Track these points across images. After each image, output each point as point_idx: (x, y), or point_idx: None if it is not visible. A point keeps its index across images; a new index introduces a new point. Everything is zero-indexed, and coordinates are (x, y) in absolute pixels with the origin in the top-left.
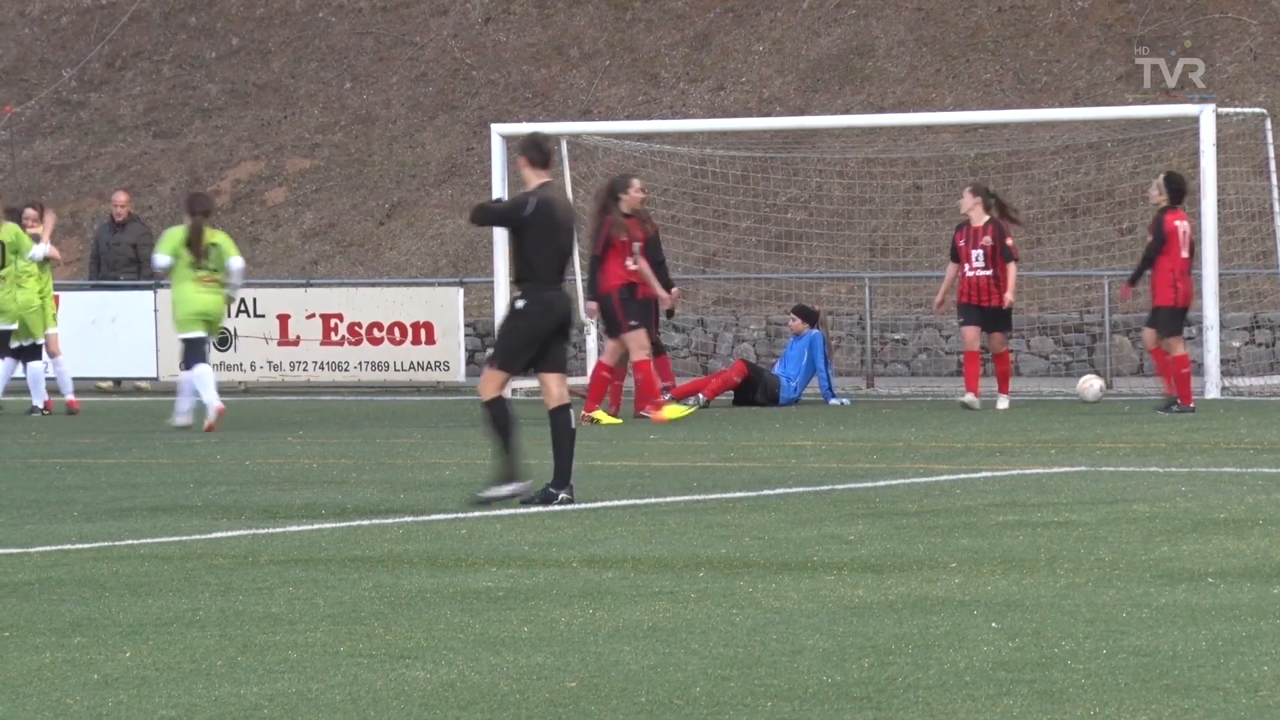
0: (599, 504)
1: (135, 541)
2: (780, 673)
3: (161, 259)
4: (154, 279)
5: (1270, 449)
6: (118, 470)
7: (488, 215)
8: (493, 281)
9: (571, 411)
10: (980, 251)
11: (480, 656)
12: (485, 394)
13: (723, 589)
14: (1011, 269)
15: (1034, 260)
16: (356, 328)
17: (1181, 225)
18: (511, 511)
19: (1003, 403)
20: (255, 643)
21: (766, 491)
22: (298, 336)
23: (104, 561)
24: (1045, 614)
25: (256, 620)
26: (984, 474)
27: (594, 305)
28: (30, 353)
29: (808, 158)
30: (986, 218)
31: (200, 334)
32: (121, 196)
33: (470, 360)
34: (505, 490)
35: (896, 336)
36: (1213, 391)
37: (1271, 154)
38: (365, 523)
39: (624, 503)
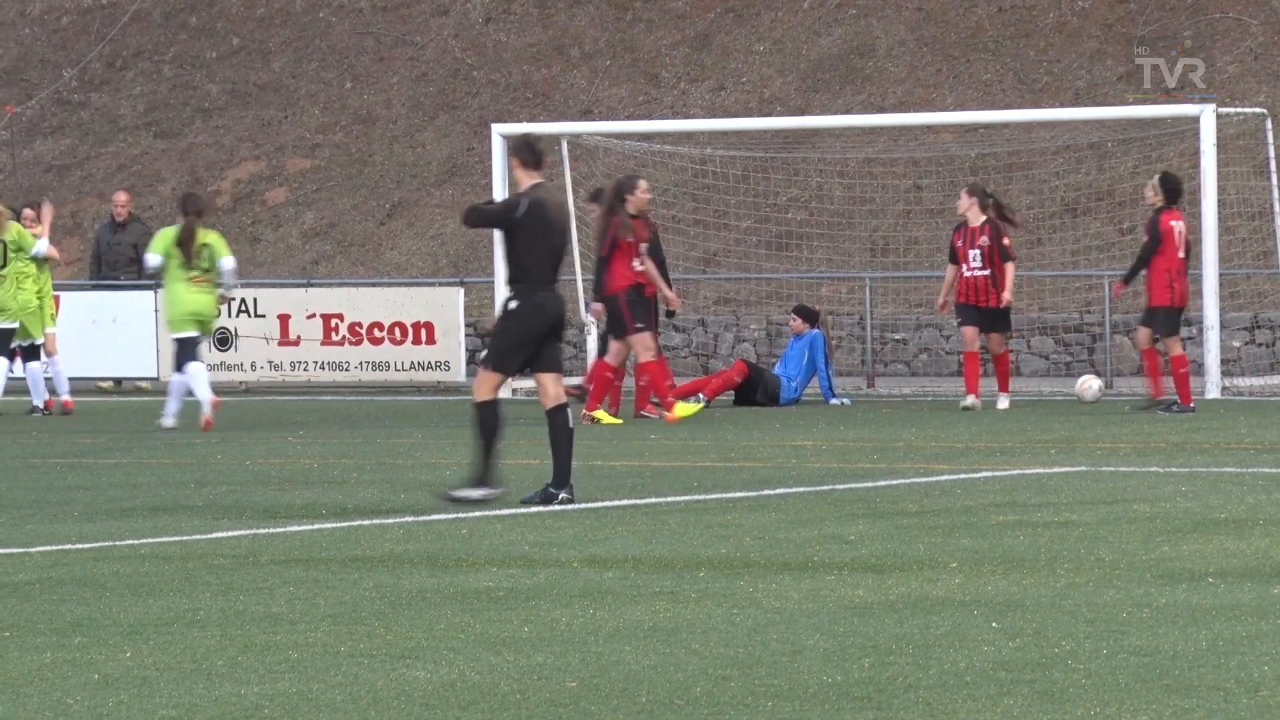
0: (599, 504)
1: (136, 541)
2: (781, 673)
3: (153, 259)
4: (155, 279)
5: (1270, 449)
6: (118, 470)
7: (480, 217)
8: (493, 282)
9: (569, 411)
10: (977, 251)
11: (481, 656)
12: (479, 395)
13: (723, 589)
14: (1009, 268)
15: (1034, 260)
16: (357, 328)
17: (1177, 225)
18: (512, 511)
19: (1003, 402)
20: (256, 643)
21: (767, 491)
22: (298, 336)
23: (105, 561)
24: (1046, 614)
25: (257, 620)
26: (984, 474)
27: (599, 306)
28: (29, 353)
29: (808, 158)
30: (983, 218)
31: (192, 334)
32: (122, 196)
33: (471, 360)
34: (476, 493)
35: (897, 336)
36: (1213, 391)
37: (1272, 154)
38: (366, 523)
39: (624, 503)
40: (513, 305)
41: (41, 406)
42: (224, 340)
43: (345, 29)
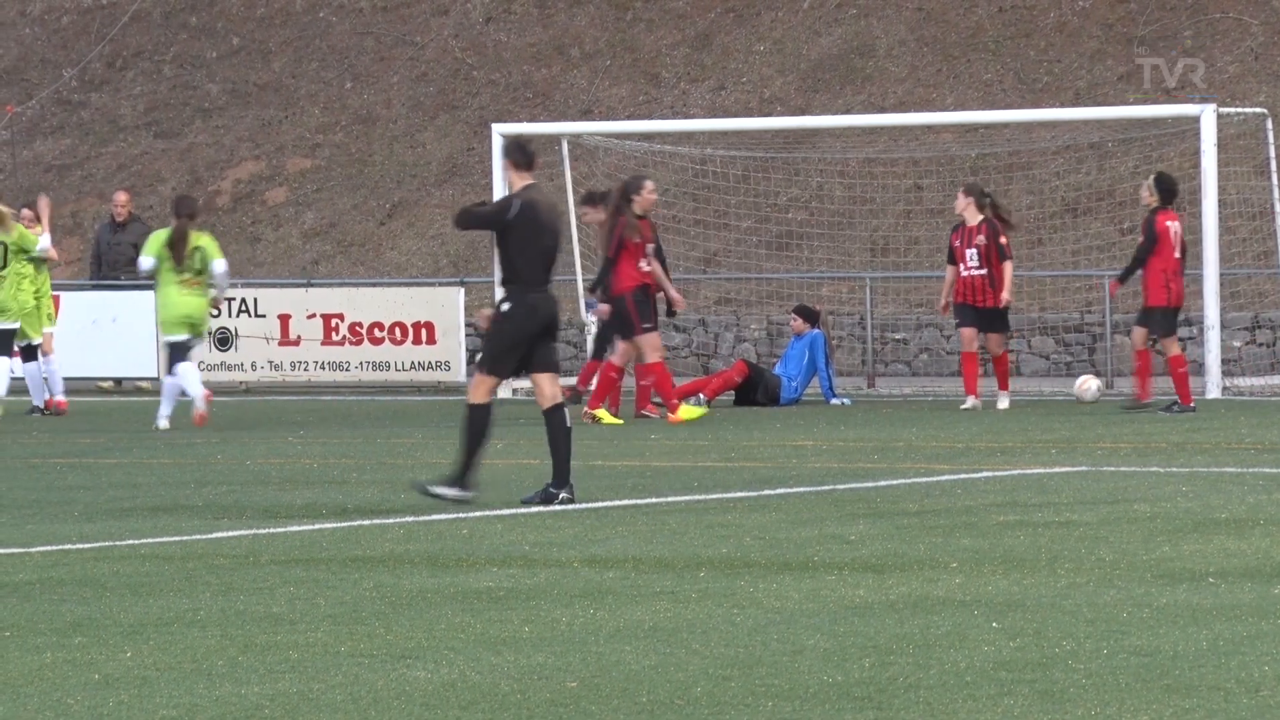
0: (600, 504)
1: (136, 541)
2: (781, 673)
3: (146, 261)
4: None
5: (1271, 449)
6: (118, 470)
7: (472, 219)
8: (493, 282)
9: (567, 410)
10: (974, 251)
11: (481, 656)
12: (473, 398)
13: (724, 589)
14: (1008, 268)
15: (1035, 260)
16: (357, 328)
17: (1173, 226)
18: (512, 511)
19: (1003, 401)
20: (256, 643)
21: (767, 491)
22: (298, 336)
23: (105, 561)
24: (1046, 614)
25: (257, 620)
26: (985, 474)
27: (605, 307)
28: (26, 354)
29: (809, 158)
30: (980, 217)
31: (183, 337)
32: (122, 196)
33: (471, 360)
34: (451, 493)
35: (897, 336)
36: (1214, 391)
37: (1272, 154)
38: (366, 523)
39: (625, 503)
40: (505, 307)
41: (41, 406)
42: (224, 340)
43: (345, 29)
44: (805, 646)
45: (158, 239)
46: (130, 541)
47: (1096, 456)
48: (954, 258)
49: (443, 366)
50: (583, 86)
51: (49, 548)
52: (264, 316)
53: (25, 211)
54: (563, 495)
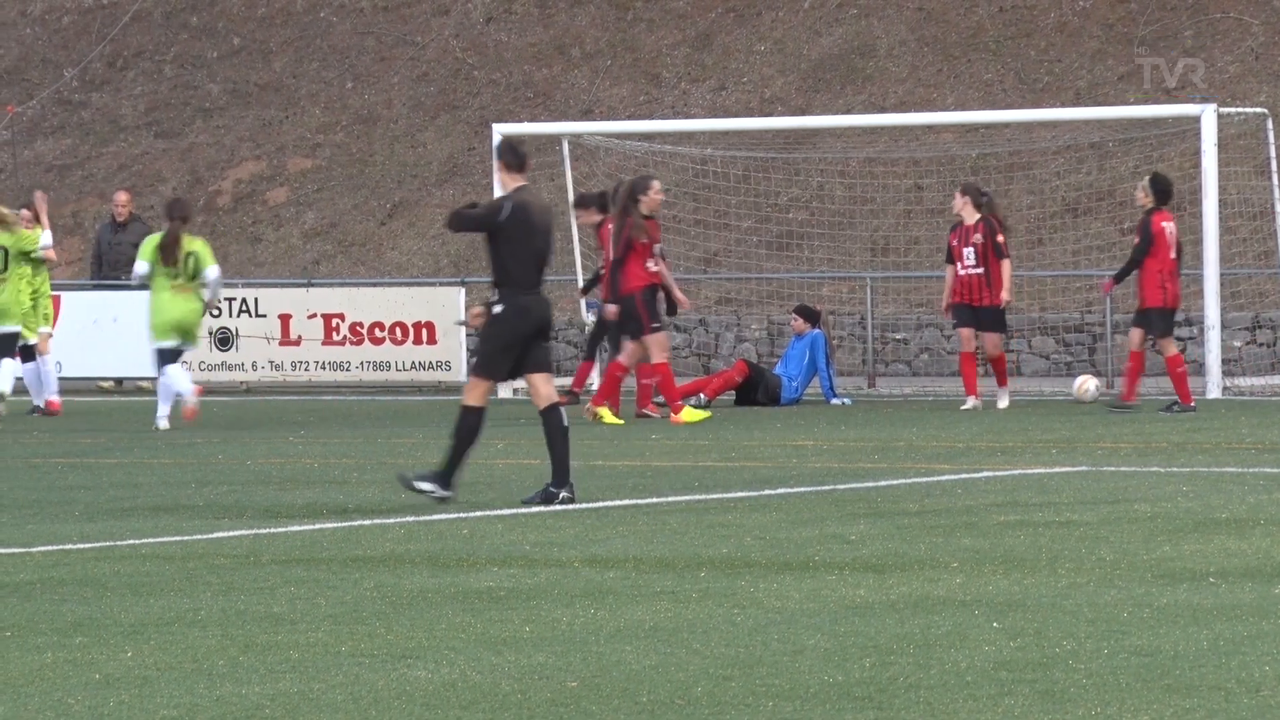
0: (600, 504)
1: (137, 541)
2: (782, 673)
3: (140, 267)
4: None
5: (1271, 449)
6: (119, 470)
7: (463, 221)
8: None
9: (563, 410)
10: (971, 250)
11: (482, 656)
12: (467, 400)
13: (724, 589)
14: (1006, 266)
15: (1035, 260)
16: (358, 327)
17: (1168, 226)
18: (513, 511)
19: (1003, 400)
20: (257, 642)
21: (768, 491)
22: (299, 336)
23: (105, 561)
24: (1047, 614)
25: (258, 620)
26: (985, 474)
27: (613, 307)
28: (25, 353)
29: (809, 158)
30: (978, 216)
31: (172, 344)
32: (123, 196)
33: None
34: (435, 491)
35: (898, 336)
36: (1214, 391)
37: (1273, 154)
38: (367, 522)
39: (625, 502)
40: (497, 309)
41: (42, 406)
42: (225, 340)
43: (346, 29)
44: (806, 646)
45: (150, 243)
46: (131, 541)
47: (1097, 456)
48: (952, 257)
49: (443, 366)
50: (583, 86)
51: (50, 547)
52: (265, 316)
53: (24, 212)
54: (563, 495)
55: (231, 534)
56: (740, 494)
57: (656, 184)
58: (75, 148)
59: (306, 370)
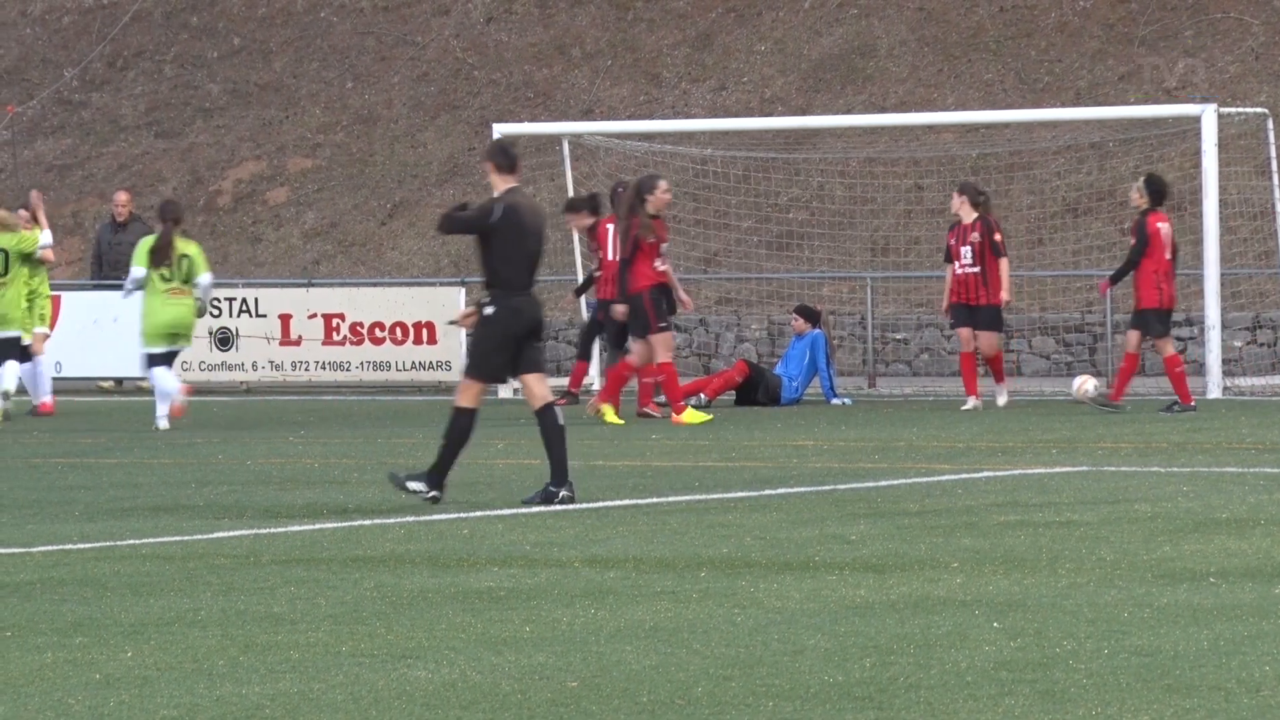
0: (601, 504)
1: (137, 541)
2: (782, 673)
3: (137, 271)
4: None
5: (1272, 449)
6: (119, 470)
7: (454, 224)
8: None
9: (558, 409)
10: (968, 248)
11: (482, 656)
12: (459, 401)
13: (724, 589)
14: (1004, 265)
15: (1036, 260)
16: (358, 327)
17: (1163, 227)
18: (513, 512)
19: (1001, 397)
20: (257, 643)
21: (768, 491)
22: (299, 336)
23: (106, 561)
24: (1047, 614)
25: (258, 620)
26: (986, 474)
27: (621, 307)
28: (25, 353)
29: (809, 158)
30: (975, 215)
31: (161, 349)
32: (123, 196)
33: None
34: (424, 492)
35: (898, 336)
36: (1214, 391)
37: (1273, 154)
38: (367, 522)
39: (626, 502)
40: (488, 310)
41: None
42: (225, 340)
43: (346, 29)
44: (806, 646)
45: (144, 246)
46: (131, 541)
47: (1097, 456)
48: (951, 257)
49: (443, 366)
50: (584, 86)
51: (50, 547)
52: (265, 316)
53: (22, 213)
54: (562, 494)
55: (231, 534)
56: (740, 494)
57: (664, 183)
58: (75, 148)
59: (307, 370)
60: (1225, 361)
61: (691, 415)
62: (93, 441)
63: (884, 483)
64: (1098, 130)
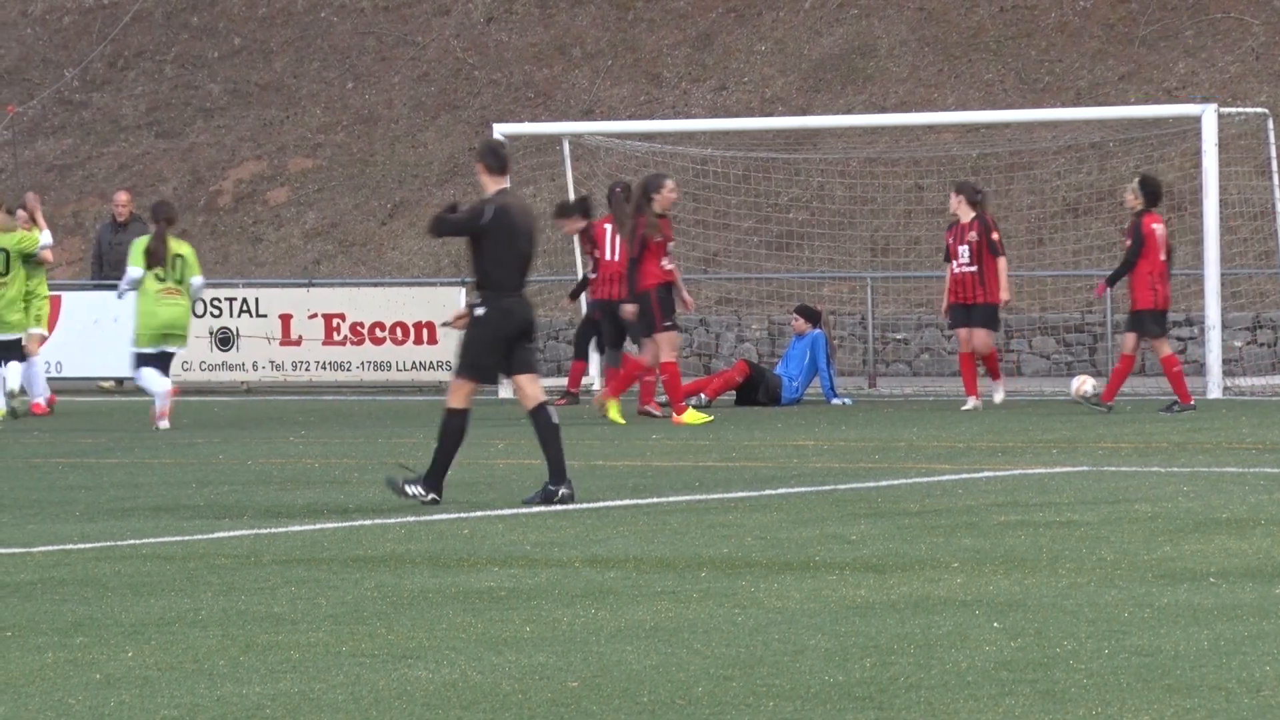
0: (601, 504)
1: (137, 541)
2: (782, 673)
3: (134, 271)
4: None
5: (1272, 449)
6: (120, 470)
7: (445, 226)
8: None
9: (551, 408)
10: (966, 248)
11: (482, 656)
12: (450, 403)
13: (725, 589)
14: (1002, 264)
15: (1036, 260)
16: (359, 327)
17: (1158, 228)
18: (514, 512)
19: (998, 394)
20: (257, 642)
21: (768, 491)
22: (300, 336)
23: (106, 561)
24: (1047, 614)
25: (259, 620)
26: (986, 474)
27: (631, 307)
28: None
29: (810, 158)
30: (973, 214)
31: (154, 350)
32: (123, 196)
33: None
34: (421, 495)
35: (898, 336)
36: (1215, 391)
37: (1273, 154)
38: (368, 522)
39: (626, 502)
40: (479, 311)
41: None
42: (225, 340)
43: (347, 29)
44: (806, 646)
45: (138, 247)
46: (132, 541)
47: (1098, 456)
48: (949, 256)
49: (444, 366)
50: (584, 86)
51: (50, 547)
52: (265, 316)
53: (21, 213)
54: (562, 492)
55: (232, 534)
56: (741, 494)
57: (670, 182)
58: (76, 148)
59: (307, 370)
60: (1225, 361)
61: (692, 416)
62: (93, 441)
63: (884, 483)
64: (1098, 130)
